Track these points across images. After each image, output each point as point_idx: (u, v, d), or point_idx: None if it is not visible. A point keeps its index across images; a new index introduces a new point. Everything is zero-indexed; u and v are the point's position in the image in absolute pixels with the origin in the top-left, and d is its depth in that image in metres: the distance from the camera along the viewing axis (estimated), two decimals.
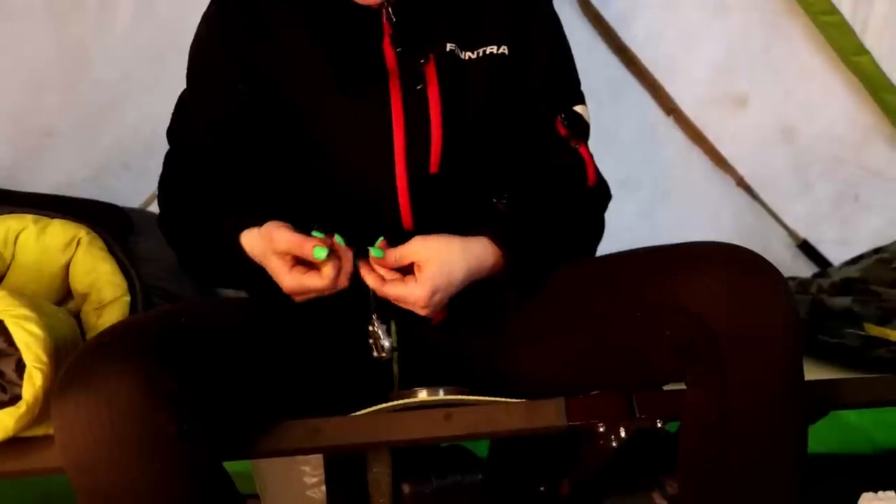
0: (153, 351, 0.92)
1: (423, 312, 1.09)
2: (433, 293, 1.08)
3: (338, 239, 1.07)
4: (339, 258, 1.07)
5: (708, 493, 1.04)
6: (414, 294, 1.07)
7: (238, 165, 1.24)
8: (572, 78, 1.29)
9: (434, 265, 1.08)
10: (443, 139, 1.17)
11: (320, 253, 1.05)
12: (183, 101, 1.25)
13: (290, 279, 1.07)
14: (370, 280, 1.08)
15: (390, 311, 1.12)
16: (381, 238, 1.10)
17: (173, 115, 1.27)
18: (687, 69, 2.13)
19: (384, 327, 1.12)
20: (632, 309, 1.05)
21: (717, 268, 1.01)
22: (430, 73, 1.18)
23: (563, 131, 1.25)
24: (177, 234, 1.24)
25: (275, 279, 1.09)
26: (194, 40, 1.24)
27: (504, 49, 1.21)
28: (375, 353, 1.12)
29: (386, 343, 1.12)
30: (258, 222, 1.11)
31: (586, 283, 1.13)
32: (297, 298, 1.10)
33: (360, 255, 1.10)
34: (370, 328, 1.12)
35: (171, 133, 1.26)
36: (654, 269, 1.06)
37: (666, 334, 1.02)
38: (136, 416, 0.88)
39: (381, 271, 1.09)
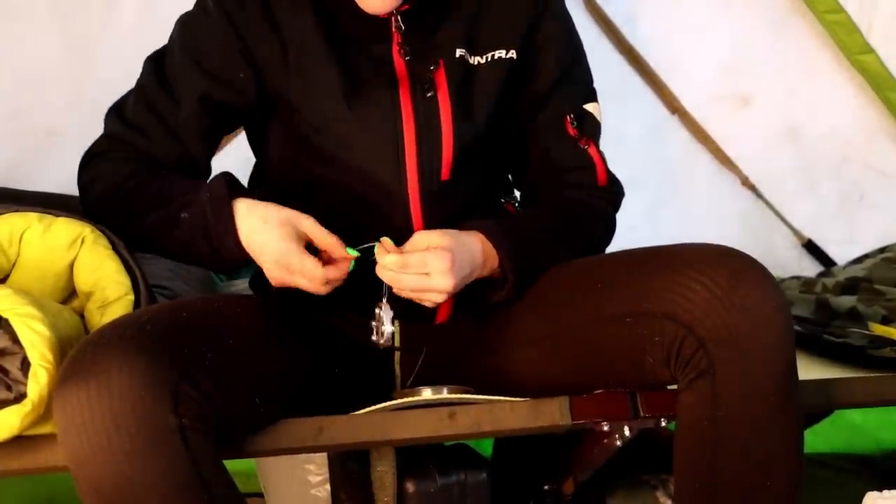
0: (154, 345, 0.92)
1: (446, 287, 1.06)
2: (453, 264, 1.06)
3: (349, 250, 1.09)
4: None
5: (701, 499, 1.03)
6: (436, 262, 1.05)
7: (204, 156, 1.22)
8: (583, 77, 1.29)
9: (444, 245, 1.07)
10: (454, 146, 1.17)
11: (352, 251, 1.08)
12: (160, 71, 1.20)
13: (295, 250, 1.07)
14: (388, 259, 1.06)
15: (397, 310, 1.12)
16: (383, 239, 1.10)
17: (143, 80, 1.22)
18: (692, 68, 2.13)
19: (390, 313, 1.11)
20: (622, 315, 1.05)
21: (705, 272, 1.00)
22: (440, 79, 1.18)
23: (572, 131, 1.25)
24: (121, 193, 1.18)
25: (267, 247, 1.07)
26: (197, 17, 1.20)
27: (513, 53, 1.20)
28: (375, 337, 1.11)
29: (388, 328, 1.11)
30: (256, 196, 1.11)
31: (579, 287, 1.13)
32: (277, 275, 1.09)
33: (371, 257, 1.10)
34: (376, 311, 1.11)
35: (140, 98, 1.21)
36: (644, 274, 1.05)
37: (655, 340, 1.02)
38: (137, 408, 0.88)
39: (395, 257, 1.07)
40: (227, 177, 1.12)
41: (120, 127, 1.21)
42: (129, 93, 1.23)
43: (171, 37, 1.23)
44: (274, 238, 1.07)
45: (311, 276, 1.07)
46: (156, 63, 1.22)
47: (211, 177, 1.17)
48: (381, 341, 1.11)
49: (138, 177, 1.17)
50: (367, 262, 1.09)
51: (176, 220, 1.11)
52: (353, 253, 1.09)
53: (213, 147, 1.25)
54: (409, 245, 1.09)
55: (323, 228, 1.09)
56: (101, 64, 1.86)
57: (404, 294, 1.08)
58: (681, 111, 2.14)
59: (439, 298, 1.08)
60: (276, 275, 1.09)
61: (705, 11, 2.10)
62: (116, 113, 1.22)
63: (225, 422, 0.96)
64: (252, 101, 1.20)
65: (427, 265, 1.06)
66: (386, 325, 1.11)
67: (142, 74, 1.23)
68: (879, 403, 1.30)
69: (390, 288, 1.09)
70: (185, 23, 1.22)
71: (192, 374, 0.93)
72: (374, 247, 1.09)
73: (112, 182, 1.18)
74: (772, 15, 2.08)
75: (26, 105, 1.86)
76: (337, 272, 1.08)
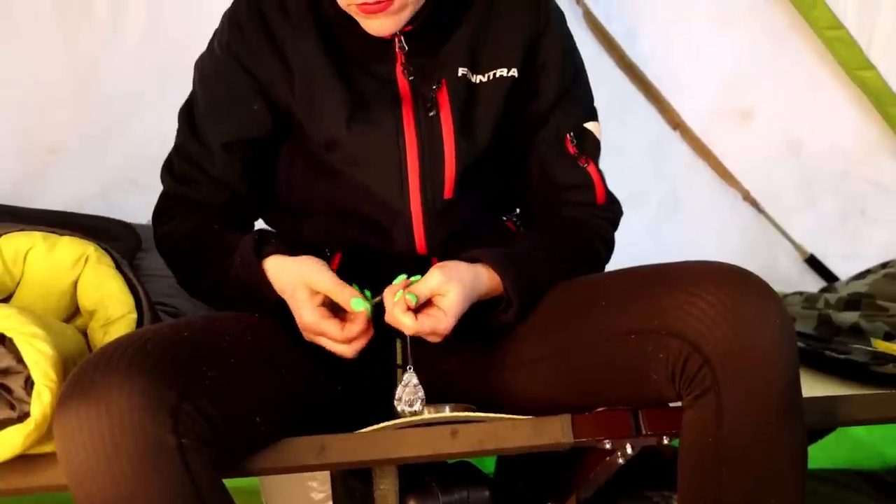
0: (154, 364, 0.92)
1: (440, 339, 1.09)
2: (457, 320, 1.09)
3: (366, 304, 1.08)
4: (365, 327, 1.08)
5: None
6: (443, 324, 1.07)
7: (252, 191, 1.25)
8: (583, 95, 1.29)
9: (455, 293, 1.08)
10: (456, 164, 1.18)
11: (358, 305, 1.07)
12: (191, 123, 1.24)
13: (312, 315, 1.07)
14: (408, 322, 1.06)
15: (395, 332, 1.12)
16: (402, 276, 1.10)
17: (180, 135, 1.25)
18: (693, 84, 2.14)
19: (420, 390, 1.11)
20: (626, 332, 1.05)
21: (708, 290, 1.00)
22: (443, 98, 1.18)
23: (571, 150, 1.26)
24: (181, 253, 1.23)
25: (294, 310, 1.10)
26: (207, 61, 1.24)
27: (514, 71, 1.21)
28: (400, 406, 1.11)
29: (416, 406, 1.10)
30: (285, 250, 1.12)
31: (582, 305, 1.13)
32: (307, 336, 1.10)
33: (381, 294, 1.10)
34: (404, 380, 1.11)
35: (180, 152, 1.25)
36: (648, 291, 1.05)
37: (660, 357, 1.02)
38: (136, 428, 0.88)
39: (408, 316, 1.07)
40: (257, 235, 1.14)
41: (171, 184, 1.25)
42: (173, 148, 1.27)
43: (193, 80, 1.26)
44: (296, 304, 1.09)
45: (332, 338, 1.08)
46: (187, 114, 1.25)
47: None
48: (408, 410, 1.11)
49: (193, 237, 1.21)
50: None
51: (224, 281, 1.15)
52: (360, 307, 1.07)
53: (260, 180, 1.26)
54: (427, 286, 1.08)
55: (336, 282, 1.08)
56: (104, 82, 1.88)
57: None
58: (682, 126, 2.15)
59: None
60: (306, 336, 1.11)
61: (706, 27, 2.11)
62: (167, 169, 1.27)
63: (226, 441, 0.96)
64: (272, 129, 1.22)
65: (435, 330, 1.08)
66: (415, 400, 1.11)
67: (178, 127, 1.26)
68: (882, 421, 1.29)
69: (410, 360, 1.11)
70: (198, 67, 1.25)
71: (193, 394, 0.93)
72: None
73: (173, 243, 1.23)
74: (772, 30, 2.10)
75: (31, 122, 1.88)
76: (356, 327, 1.08)
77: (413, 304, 1.07)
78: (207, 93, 1.23)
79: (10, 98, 1.85)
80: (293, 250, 1.13)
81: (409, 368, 1.11)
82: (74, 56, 1.86)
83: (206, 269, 1.18)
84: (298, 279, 1.09)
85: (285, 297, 1.11)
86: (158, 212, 1.27)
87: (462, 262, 1.13)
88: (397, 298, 1.07)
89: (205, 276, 1.19)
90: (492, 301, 1.15)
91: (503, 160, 1.26)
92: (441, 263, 1.12)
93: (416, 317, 1.07)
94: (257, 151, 1.23)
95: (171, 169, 1.26)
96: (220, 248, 1.17)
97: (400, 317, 1.06)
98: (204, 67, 1.24)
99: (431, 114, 1.18)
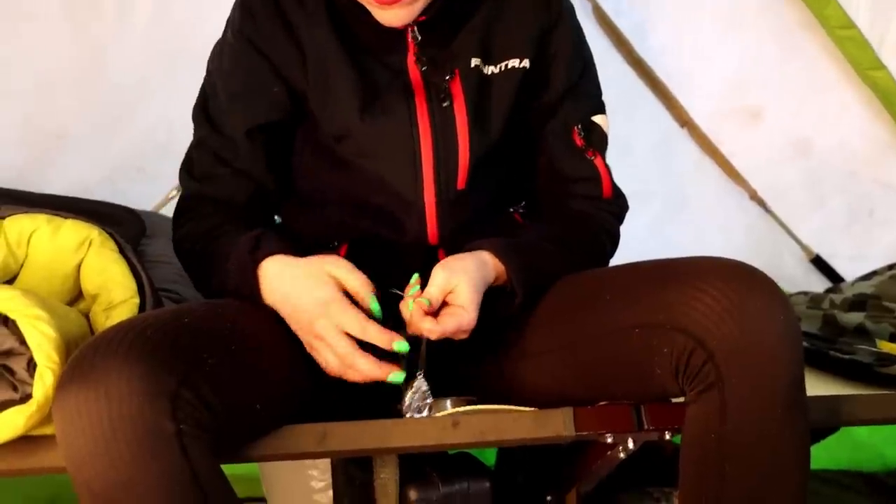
0: (154, 349, 0.91)
1: (467, 335, 1.08)
2: (478, 310, 1.08)
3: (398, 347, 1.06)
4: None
5: None
6: (465, 318, 1.06)
7: (275, 181, 1.24)
8: (592, 89, 1.29)
9: (465, 284, 1.07)
10: (470, 155, 1.18)
11: (401, 346, 1.04)
12: (209, 118, 1.23)
13: (354, 315, 1.05)
14: (429, 326, 1.05)
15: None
16: (416, 275, 1.09)
17: (198, 132, 1.24)
18: (701, 81, 2.14)
19: (428, 396, 1.10)
20: (631, 326, 1.04)
21: (715, 285, 0.99)
22: (456, 88, 1.18)
23: (579, 142, 1.25)
24: (194, 255, 1.22)
25: (324, 300, 1.06)
26: (222, 51, 1.23)
27: (525, 62, 1.21)
28: (406, 411, 1.09)
29: (427, 403, 1.10)
30: (288, 249, 1.10)
31: (587, 299, 1.12)
32: (313, 324, 1.07)
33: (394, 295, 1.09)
34: (413, 385, 1.09)
35: (201, 149, 1.23)
36: (653, 286, 1.05)
37: (664, 352, 1.01)
38: (135, 413, 0.88)
39: (428, 320, 1.06)
40: (257, 235, 1.12)
41: (191, 184, 1.25)
42: (191, 147, 1.26)
43: (205, 76, 1.25)
44: (306, 292, 1.07)
45: (350, 325, 1.05)
46: (203, 111, 1.24)
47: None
48: (416, 417, 1.10)
49: (207, 237, 1.20)
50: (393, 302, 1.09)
51: (225, 285, 1.13)
52: (402, 348, 1.05)
53: (282, 169, 1.25)
54: (437, 286, 1.08)
55: (357, 275, 1.07)
56: (112, 69, 1.88)
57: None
58: (690, 124, 2.14)
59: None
60: (307, 338, 1.09)
61: (716, 24, 2.10)
62: (186, 170, 1.25)
63: (226, 428, 0.96)
64: (290, 111, 1.21)
65: (460, 326, 1.06)
66: (424, 406, 1.09)
67: (195, 126, 1.25)
68: (886, 421, 1.29)
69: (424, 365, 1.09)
70: (213, 59, 1.24)
71: (192, 380, 0.92)
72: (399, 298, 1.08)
73: (189, 245, 1.23)
74: (782, 29, 2.09)
75: (37, 108, 1.88)
76: (379, 335, 1.05)
77: (427, 306, 1.06)
78: (227, 82, 1.22)
79: (17, 86, 1.85)
80: (295, 249, 1.11)
81: (420, 375, 1.10)
82: (82, 42, 1.86)
83: (211, 274, 1.17)
84: (316, 270, 1.07)
85: (288, 302, 1.08)
86: (177, 215, 1.26)
87: (464, 253, 1.13)
88: (411, 308, 1.06)
89: (211, 281, 1.17)
90: (497, 292, 1.15)
91: (513, 151, 1.26)
92: (442, 262, 1.11)
93: (437, 321, 1.06)
94: (279, 137, 1.23)
95: (191, 169, 1.25)
96: (223, 253, 1.15)
97: (421, 324, 1.05)
98: (219, 58, 1.24)
99: (445, 104, 1.18)
